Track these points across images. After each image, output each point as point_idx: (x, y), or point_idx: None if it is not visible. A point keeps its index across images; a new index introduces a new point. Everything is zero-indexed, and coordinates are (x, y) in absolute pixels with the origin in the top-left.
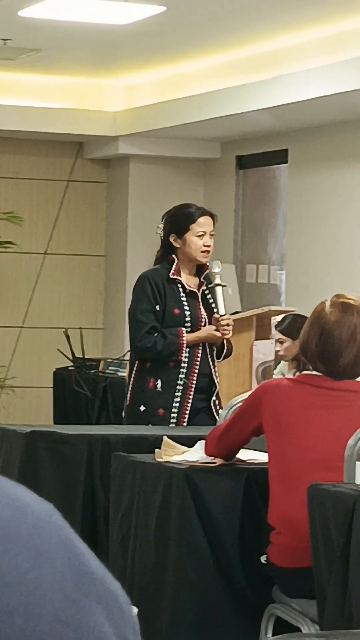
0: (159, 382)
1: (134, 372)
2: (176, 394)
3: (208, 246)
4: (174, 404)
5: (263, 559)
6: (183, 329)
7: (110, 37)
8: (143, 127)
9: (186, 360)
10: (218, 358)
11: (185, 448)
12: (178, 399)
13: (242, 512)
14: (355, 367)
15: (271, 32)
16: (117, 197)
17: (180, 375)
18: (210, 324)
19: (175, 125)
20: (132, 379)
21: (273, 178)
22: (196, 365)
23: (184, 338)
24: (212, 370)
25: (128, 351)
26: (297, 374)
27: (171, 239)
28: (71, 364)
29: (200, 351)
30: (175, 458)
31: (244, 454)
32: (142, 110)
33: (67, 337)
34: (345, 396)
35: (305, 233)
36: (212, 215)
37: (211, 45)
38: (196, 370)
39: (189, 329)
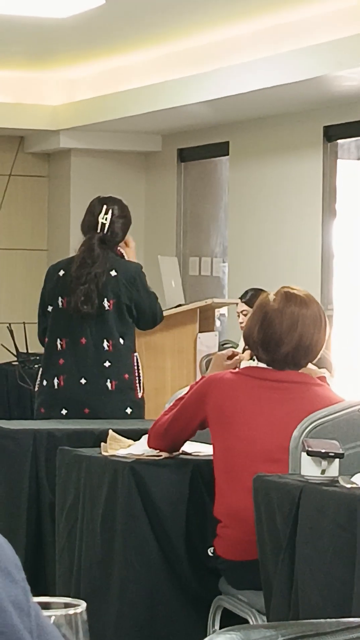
0: None
1: (135, 364)
2: None
3: None
4: None
5: (210, 551)
6: None
7: (50, 30)
8: (84, 120)
9: None
10: None
11: (130, 441)
12: None
13: (188, 505)
14: (297, 357)
15: (210, 25)
16: (58, 191)
17: None
18: None
19: (116, 118)
20: (139, 371)
21: (214, 170)
22: None
23: None
24: None
25: None
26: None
27: (126, 237)
28: (15, 358)
29: None
30: (121, 451)
31: (189, 447)
32: (82, 104)
33: (11, 332)
34: (288, 388)
35: (247, 225)
36: None
37: (151, 38)
38: None
39: None
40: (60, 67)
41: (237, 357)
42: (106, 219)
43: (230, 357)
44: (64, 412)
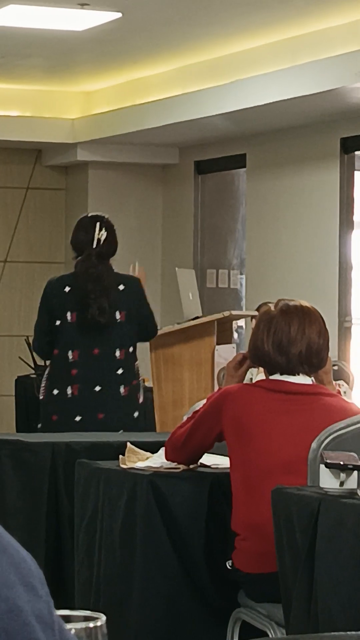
0: None
1: (137, 371)
2: None
3: None
4: None
5: (228, 564)
6: None
7: (67, 43)
8: (101, 133)
9: None
10: None
11: (149, 454)
12: None
13: (207, 517)
14: (309, 355)
15: (228, 37)
16: (76, 204)
17: None
18: None
19: (133, 131)
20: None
21: (232, 183)
22: None
23: None
24: None
25: None
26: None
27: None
28: (33, 371)
29: None
30: (139, 464)
31: (208, 459)
32: (99, 117)
33: (29, 345)
34: (303, 399)
35: (265, 237)
36: None
37: (168, 51)
38: None
39: None
40: (77, 80)
41: (247, 362)
42: (102, 235)
43: (240, 363)
44: (77, 418)
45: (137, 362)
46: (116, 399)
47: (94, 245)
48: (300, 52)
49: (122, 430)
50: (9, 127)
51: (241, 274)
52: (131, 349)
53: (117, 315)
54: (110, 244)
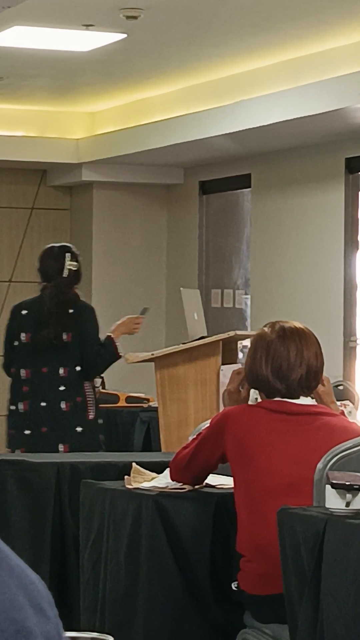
0: None
1: (88, 389)
2: None
3: None
4: None
5: (234, 585)
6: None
7: (72, 64)
8: (106, 153)
9: None
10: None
11: (154, 474)
12: None
13: (213, 538)
14: (309, 379)
15: (232, 58)
16: (81, 224)
17: None
18: None
19: (138, 151)
20: (91, 396)
21: (236, 203)
22: None
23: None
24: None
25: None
26: None
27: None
28: None
29: None
30: (145, 484)
31: (213, 479)
32: (104, 137)
33: None
34: (305, 419)
35: (269, 257)
36: None
37: (173, 72)
38: None
39: None
40: (82, 100)
41: (245, 386)
42: (75, 266)
43: (240, 384)
44: (27, 432)
45: (90, 382)
46: (57, 414)
47: (65, 274)
48: (304, 73)
49: (60, 444)
50: (14, 147)
51: (246, 294)
52: (78, 368)
53: (64, 336)
54: (78, 274)
